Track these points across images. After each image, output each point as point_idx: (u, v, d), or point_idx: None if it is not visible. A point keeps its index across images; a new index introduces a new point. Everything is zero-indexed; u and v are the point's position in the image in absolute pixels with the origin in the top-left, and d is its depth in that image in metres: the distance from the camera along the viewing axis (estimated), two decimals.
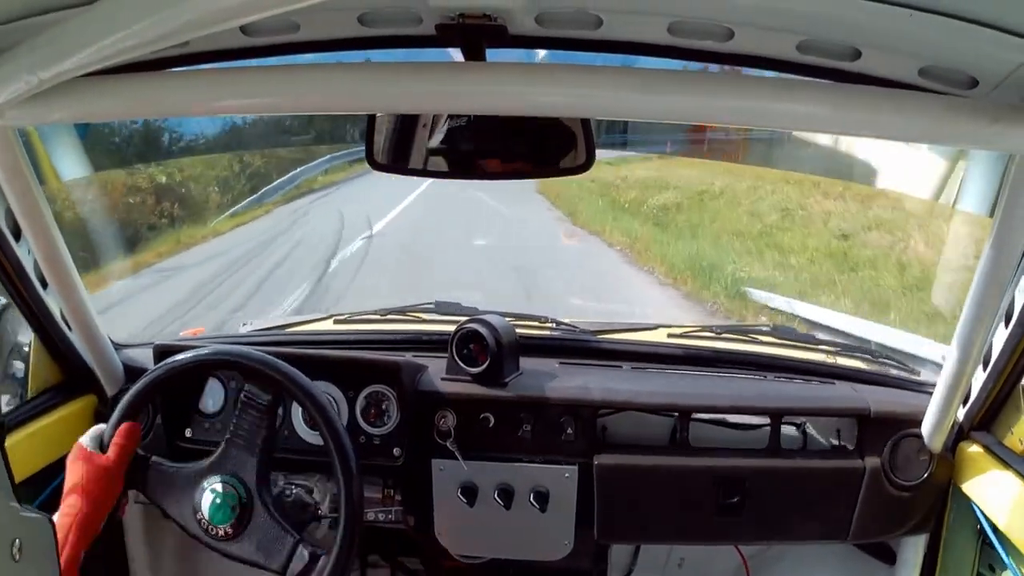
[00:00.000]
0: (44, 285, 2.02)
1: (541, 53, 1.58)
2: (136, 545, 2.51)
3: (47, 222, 1.87)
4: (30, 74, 1.19)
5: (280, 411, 1.97)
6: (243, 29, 1.45)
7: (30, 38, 1.18)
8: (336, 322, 2.65)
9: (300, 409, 2.14)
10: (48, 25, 1.17)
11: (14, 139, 1.65)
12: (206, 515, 1.84)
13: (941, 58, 1.30)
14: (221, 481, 1.85)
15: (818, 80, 1.41)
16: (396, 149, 1.74)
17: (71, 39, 1.13)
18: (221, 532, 1.83)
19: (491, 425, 2.14)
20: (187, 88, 1.45)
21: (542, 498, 2.10)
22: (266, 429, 1.90)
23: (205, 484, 1.85)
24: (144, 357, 2.31)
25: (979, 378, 1.94)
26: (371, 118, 1.70)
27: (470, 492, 2.12)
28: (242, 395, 1.92)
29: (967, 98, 1.32)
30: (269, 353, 1.90)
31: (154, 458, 1.92)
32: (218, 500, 1.83)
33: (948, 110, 1.26)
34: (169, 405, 2.17)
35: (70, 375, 2.26)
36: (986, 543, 1.99)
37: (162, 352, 2.05)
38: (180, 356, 1.92)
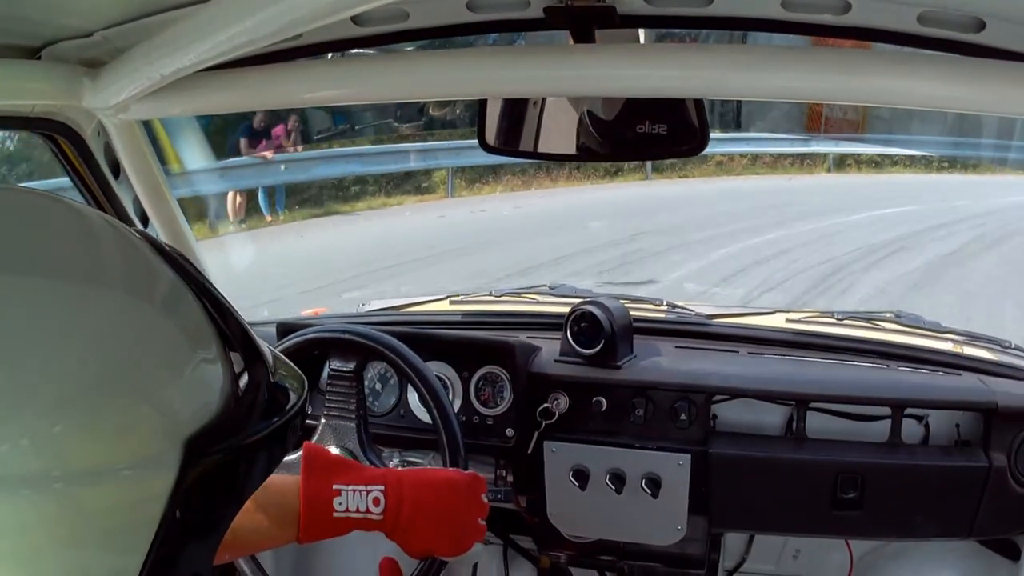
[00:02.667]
0: None
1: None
2: None
3: (172, 208, 1.95)
4: (151, 71, 1.23)
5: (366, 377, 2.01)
6: (354, 19, 1.46)
7: (150, 37, 1.22)
8: (452, 303, 2.67)
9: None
10: (166, 24, 1.21)
11: (139, 131, 1.73)
12: None
13: None
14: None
15: (946, 54, 1.32)
16: (507, 132, 1.74)
17: (188, 37, 1.16)
18: None
19: (603, 409, 2.12)
20: (301, 79, 1.48)
21: (654, 484, 2.07)
22: (356, 396, 1.90)
23: None
24: (265, 335, 2.36)
25: None
26: (482, 101, 1.70)
27: (582, 476, 2.11)
28: (329, 368, 1.93)
29: None
30: (386, 333, 1.92)
31: None
32: None
33: None
34: None
35: None
36: None
37: (285, 330, 2.09)
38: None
